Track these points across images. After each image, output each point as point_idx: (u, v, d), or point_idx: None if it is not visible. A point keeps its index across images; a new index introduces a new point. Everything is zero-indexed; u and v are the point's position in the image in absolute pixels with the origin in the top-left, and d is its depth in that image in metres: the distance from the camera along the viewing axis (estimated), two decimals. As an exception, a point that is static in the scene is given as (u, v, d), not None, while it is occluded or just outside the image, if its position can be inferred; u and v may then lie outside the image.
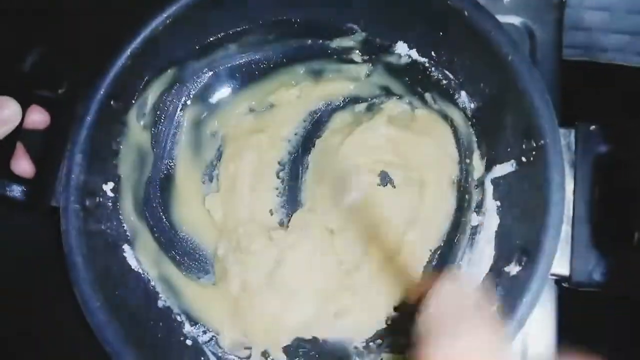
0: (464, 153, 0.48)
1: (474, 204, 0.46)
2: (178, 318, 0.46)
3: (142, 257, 0.46)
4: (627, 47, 0.76)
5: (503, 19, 0.52)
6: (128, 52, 0.42)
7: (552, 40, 0.53)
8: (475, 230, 0.46)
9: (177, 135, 0.50)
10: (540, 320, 0.46)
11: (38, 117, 0.42)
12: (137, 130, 0.46)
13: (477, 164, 0.46)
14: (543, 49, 0.52)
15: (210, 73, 0.50)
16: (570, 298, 0.44)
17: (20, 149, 0.42)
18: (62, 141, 0.42)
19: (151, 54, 0.44)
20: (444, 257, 0.47)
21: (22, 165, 0.42)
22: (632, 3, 0.68)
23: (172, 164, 0.50)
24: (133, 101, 0.45)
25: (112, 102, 0.43)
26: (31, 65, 0.44)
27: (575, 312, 0.46)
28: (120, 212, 0.45)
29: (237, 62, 0.50)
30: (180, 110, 0.50)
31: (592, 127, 0.39)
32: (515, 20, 0.53)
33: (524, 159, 0.41)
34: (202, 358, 0.45)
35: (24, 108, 0.41)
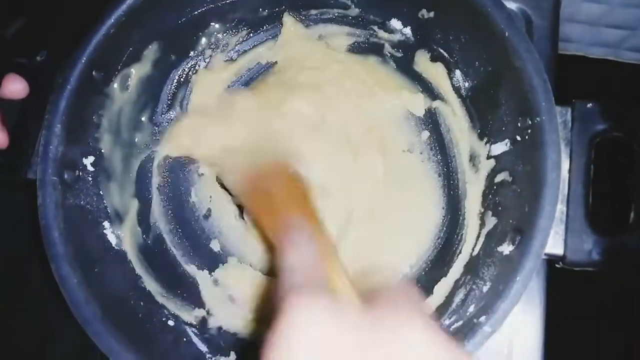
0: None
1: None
2: (159, 298, 0.44)
3: (123, 234, 0.44)
4: (623, 42, 0.75)
5: (500, 3, 0.51)
6: (112, 19, 0.41)
7: (548, 27, 0.52)
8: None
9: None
10: (527, 308, 0.45)
11: (16, 86, 0.40)
12: (119, 102, 0.45)
13: (477, 144, 0.45)
14: (540, 36, 0.51)
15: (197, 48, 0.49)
16: (559, 284, 0.43)
17: (-5, 118, 0.40)
18: (41, 111, 0.40)
19: (136, 24, 0.42)
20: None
21: (-3, 135, 0.40)
22: (630, -4, 0.67)
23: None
24: (116, 72, 0.44)
25: (93, 72, 0.41)
26: (12, 33, 0.42)
27: (564, 299, 0.45)
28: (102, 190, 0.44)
29: (227, 37, 0.49)
30: (165, 84, 0.48)
31: (589, 105, 0.38)
32: (512, 5, 0.52)
33: (518, 137, 0.40)
34: (184, 339, 0.44)
35: (1, 76, 0.39)
